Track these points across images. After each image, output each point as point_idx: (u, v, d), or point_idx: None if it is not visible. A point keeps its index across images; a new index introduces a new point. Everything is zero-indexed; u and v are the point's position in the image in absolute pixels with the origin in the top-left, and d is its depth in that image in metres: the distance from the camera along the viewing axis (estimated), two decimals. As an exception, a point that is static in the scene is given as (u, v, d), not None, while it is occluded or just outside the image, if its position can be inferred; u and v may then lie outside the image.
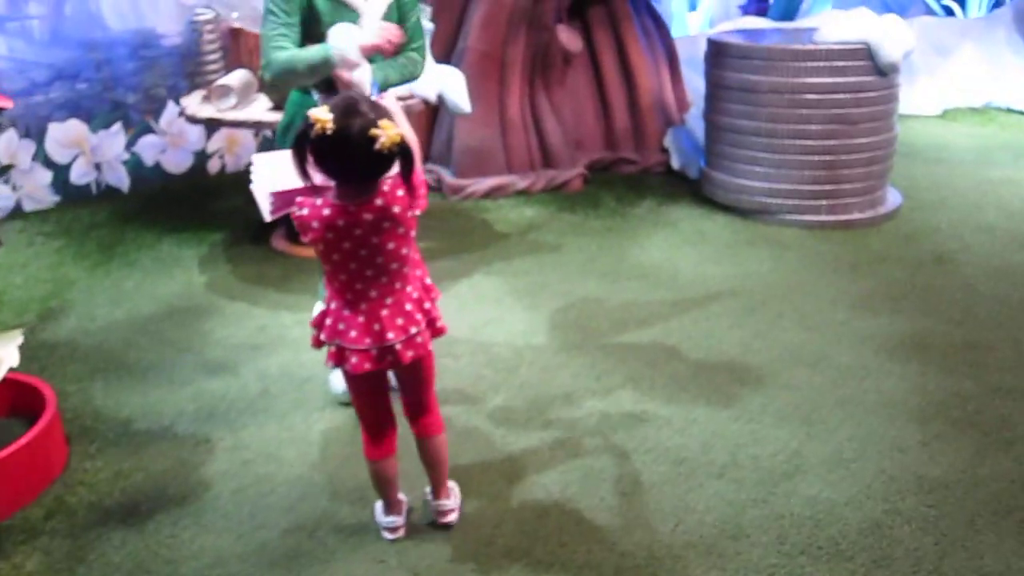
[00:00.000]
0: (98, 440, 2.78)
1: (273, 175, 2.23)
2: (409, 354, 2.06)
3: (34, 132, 4.97)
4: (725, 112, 4.53)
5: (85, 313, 3.68)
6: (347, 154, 1.88)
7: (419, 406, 2.24)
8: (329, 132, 1.84)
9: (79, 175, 5.16)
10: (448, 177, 5.05)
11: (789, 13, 5.10)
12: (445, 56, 5.14)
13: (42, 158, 5.01)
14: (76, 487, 2.54)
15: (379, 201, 1.95)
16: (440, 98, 4.04)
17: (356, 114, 1.87)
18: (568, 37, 4.98)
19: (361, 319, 2.04)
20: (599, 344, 3.31)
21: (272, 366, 3.20)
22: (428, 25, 4.03)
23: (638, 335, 3.38)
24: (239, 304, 3.74)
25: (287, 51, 2.62)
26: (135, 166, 5.37)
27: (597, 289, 3.81)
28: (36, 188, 5.00)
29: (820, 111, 4.26)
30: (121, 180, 5.32)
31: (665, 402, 2.90)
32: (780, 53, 4.24)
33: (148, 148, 5.41)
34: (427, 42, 4.09)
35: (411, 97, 3.98)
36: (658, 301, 3.68)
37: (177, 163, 5.54)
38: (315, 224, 1.96)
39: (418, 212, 2.03)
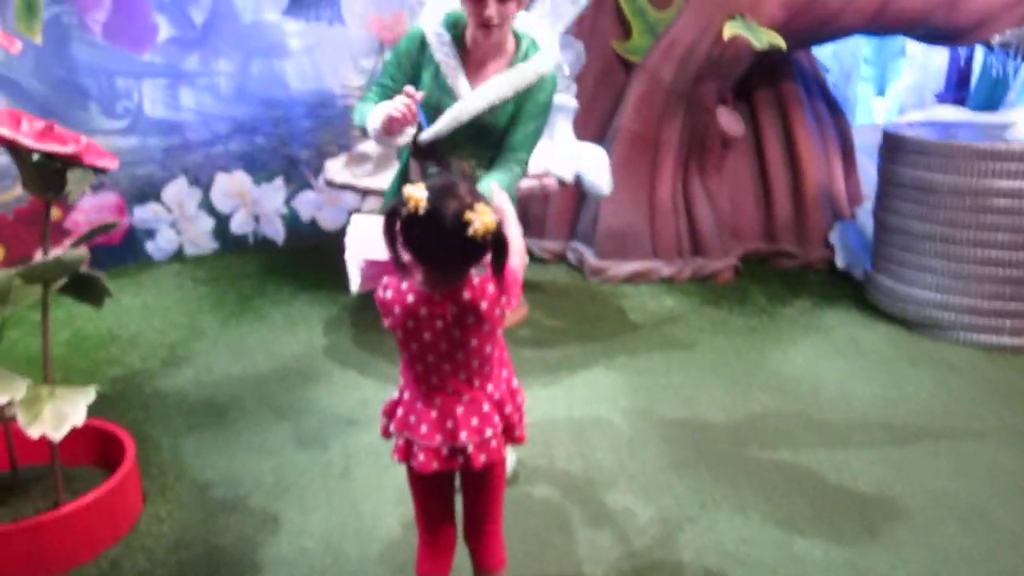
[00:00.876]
0: (173, 502, 2.74)
1: (370, 241, 2.09)
2: (482, 458, 1.85)
3: (203, 181, 5.25)
4: (896, 211, 4.06)
5: (205, 365, 3.74)
6: (437, 237, 1.71)
7: (479, 521, 2.00)
8: (421, 212, 1.70)
9: (239, 225, 5.39)
10: (590, 257, 4.84)
11: (992, 102, 4.57)
12: (598, 136, 4.98)
13: (207, 206, 5.27)
14: (136, 551, 2.50)
15: (467, 294, 1.77)
16: (577, 178, 3.86)
17: (453, 196, 1.70)
18: (728, 120, 4.68)
19: (434, 414, 1.85)
20: (713, 464, 2.95)
21: (361, 445, 3.08)
22: (572, 103, 3.89)
23: (759, 458, 2.99)
24: (350, 372, 3.68)
25: (367, 104, 2.49)
26: (292, 220, 5.55)
27: (724, 398, 3.45)
28: (198, 234, 5.26)
29: (1008, 219, 3.72)
30: (277, 233, 5.51)
31: (775, 546, 2.51)
32: (962, 151, 3.75)
33: (305, 204, 5.58)
34: (570, 121, 3.96)
35: (546, 175, 3.83)
36: (791, 419, 3.27)
37: (331, 221, 5.68)
38: (396, 309, 1.81)
39: (508, 311, 1.84)
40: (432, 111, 2.45)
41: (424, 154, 2.57)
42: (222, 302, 4.48)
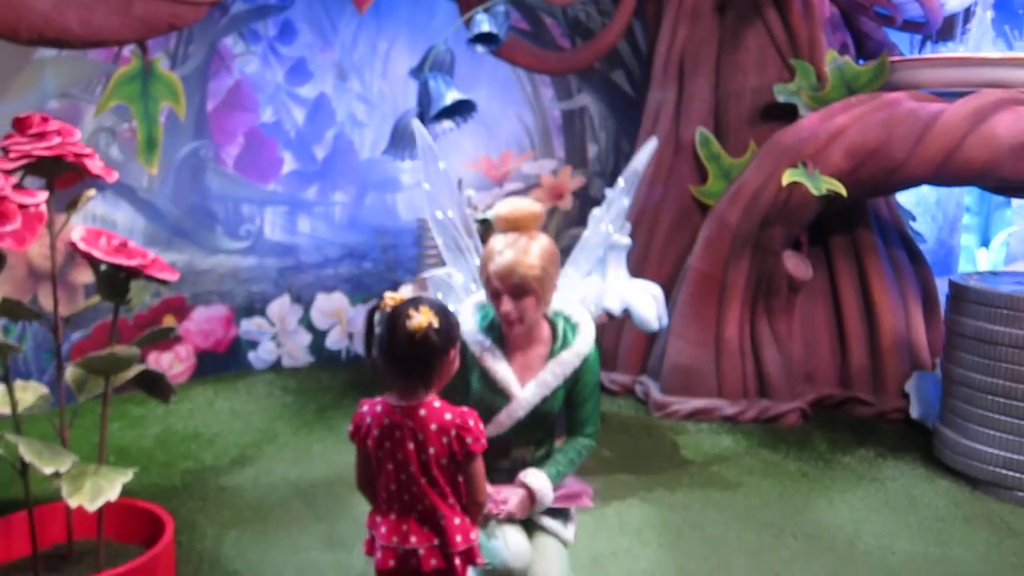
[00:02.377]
0: (200, 587, 2.99)
1: None
2: (433, 562, 1.99)
3: (304, 299, 5.74)
4: (959, 362, 3.95)
5: (267, 467, 4.04)
6: (389, 337, 1.93)
7: None
8: (387, 310, 1.94)
9: (333, 342, 5.82)
10: (655, 392, 4.91)
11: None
12: (672, 275, 5.13)
13: (306, 323, 5.74)
14: (154, 627, 2.74)
15: (423, 412, 1.97)
16: (626, 311, 4.01)
17: (420, 305, 1.93)
18: (795, 264, 4.73)
19: (393, 517, 2.03)
20: (718, 604, 2.92)
21: (382, 551, 3.24)
22: (625, 241, 4.09)
23: (769, 604, 2.93)
24: (395, 483, 3.87)
25: None
26: (383, 340, 5.92)
27: (753, 541, 3.39)
28: (295, 348, 5.72)
29: (1075, 377, 3.56)
30: (368, 351, 5.88)
31: None
32: (1023, 302, 3.65)
33: (397, 325, 5.95)
34: (623, 257, 4.15)
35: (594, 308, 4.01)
36: (815, 569, 3.18)
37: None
38: (367, 421, 2.02)
39: (474, 455, 1.99)
40: (486, 410, 2.34)
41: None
42: (301, 411, 4.82)
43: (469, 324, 2.41)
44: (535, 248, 2.28)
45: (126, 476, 2.66)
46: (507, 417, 2.37)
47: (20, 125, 2.76)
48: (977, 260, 6.33)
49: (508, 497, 2.32)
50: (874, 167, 4.39)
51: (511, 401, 2.36)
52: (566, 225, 6.48)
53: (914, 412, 4.61)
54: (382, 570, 2.04)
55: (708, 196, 5.10)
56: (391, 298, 1.96)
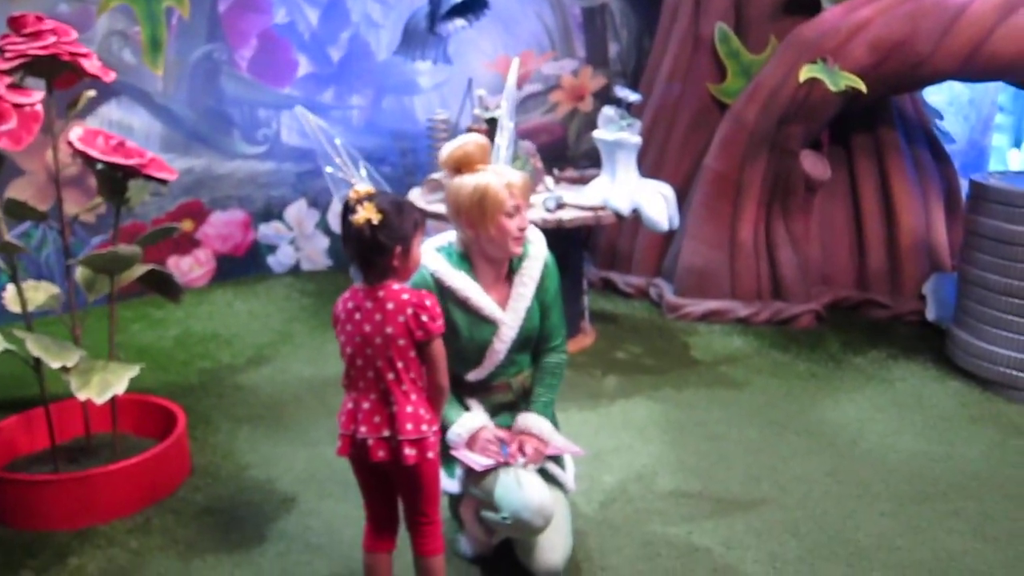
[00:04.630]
0: (213, 476, 3.11)
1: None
2: (380, 454, 2.04)
3: (321, 203, 5.76)
4: (976, 263, 3.87)
5: (282, 365, 4.14)
6: (344, 229, 2.00)
7: (409, 512, 2.19)
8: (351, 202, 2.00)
9: (351, 246, 5.86)
10: (669, 294, 4.90)
11: None
12: (690, 175, 5.05)
13: (323, 227, 5.78)
14: (167, 512, 2.87)
15: (381, 293, 2.01)
16: (636, 212, 3.97)
17: (379, 198, 1.98)
18: (813, 164, 4.62)
19: (350, 405, 2.09)
20: (713, 499, 2.97)
21: (389, 445, 3.34)
22: (634, 139, 4.01)
23: (764, 499, 2.97)
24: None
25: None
26: (402, 243, 5.95)
27: (754, 438, 3.43)
28: (314, 252, 5.77)
29: (1092, 277, 3.48)
30: (388, 254, 5.92)
31: (744, 580, 2.53)
32: (1044, 202, 3.56)
33: (415, 228, 5.97)
34: (632, 157, 4.08)
35: (603, 208, 3.97)
36: (815, 465, 3.21)
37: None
38: (339, 307, 2.08)
39: (433, 335, 2.02)
40: (477, 348, 2.39)
41: (477, 388, 2.49)
42: (318, 313, 4.90)
43: (440, 265, 2.37)
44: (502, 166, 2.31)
45: (133, 371, 2.75)
46: (500, 343, 2.38)
47: (15, 25, 2.75)
48: (1008, 161, 6.14)
49: (520, 447, 2.37)
50: (898, 62, 4.23)
51: (499, 328, 2.38)
52: (587, 128, 6.37)
53: (930, 314, 4.56)
54: (344, 456, 2.11)
55: (727, 94, 4.97)
56: (354, 191, 1.99)
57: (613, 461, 3.24)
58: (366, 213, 1.94)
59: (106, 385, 2.67)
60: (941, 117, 5.54)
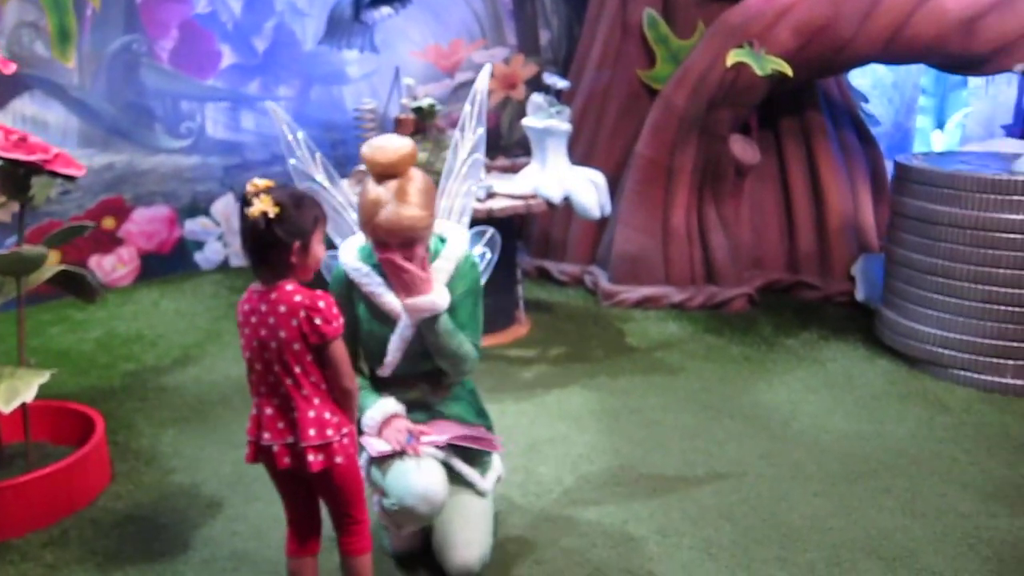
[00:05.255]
0: (135, 483, 2.99)
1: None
2: (286, 460, 1.96)
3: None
4: (901, 243, 3.94)
5: (209, 365, 4.02)
6: (241, 223, 1.91)
7: (335, 516, 2.13)
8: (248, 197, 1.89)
9: (282, 240, 5.72)
10: (603, 281, 4.89)
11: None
12: (622, 162, 5.04)
13: (252, 222, 5.63)
14: (86, 523, 2.75)
15: (274, 295, 1.92)
16: (567, 200, 3.95)
17: (277, 191, 1.87)
18: (742, 148, 4.65)
19: (254, 410, 2.01)
20: (650, 485, 2.96)
21: (320, 444, 3.26)
22: (564, 127, 3.98)
23: (698, 483, 2.98)
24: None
25: (364, 389, 2.37)
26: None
27: (690, 423, 3.44)
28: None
29: (1012, 253, 3.55)
30: (320, 249, 5.81)
31: (681, 569, 2.51)
32: (964, 181, 3.62)
33: (348, 222, 5.87)
34: (563, 144, 4.05)
35: (533, 196, 3.94)
36: (749, 448, 3.23)
37: (373, 238, 5.94)
38: (238, 308, 2.00)
39: (327, 338, 1.92)
40: (378, 343, 2.36)
41: (390, 383, 2.43)
42: (248, 310, 4.77)
43: (350, 256, 2.34)
44: (414, 194, 2.15)
45: (43, 377, 2.63)
46: (399, 340, 2.32)
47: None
48: (932, 142, 6.28)
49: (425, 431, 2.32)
50: (821, 45, 4.27)
51: (398, 323, 2.31)
52: (519, 116, 6.32)
53: (859, 295, 4.64)
54: (251, 463, 2.03)
55: (656, 80, 4.98)
56: (252, 184, 1.88)
57: (549, 452, 3.21)
58: (262, 205, 1.83)
59: (13, 392, 2.55)
60: (867, 100, 5.64)
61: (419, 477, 2.23)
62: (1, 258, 2.56)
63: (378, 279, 2.32)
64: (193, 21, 5.41)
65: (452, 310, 2.34)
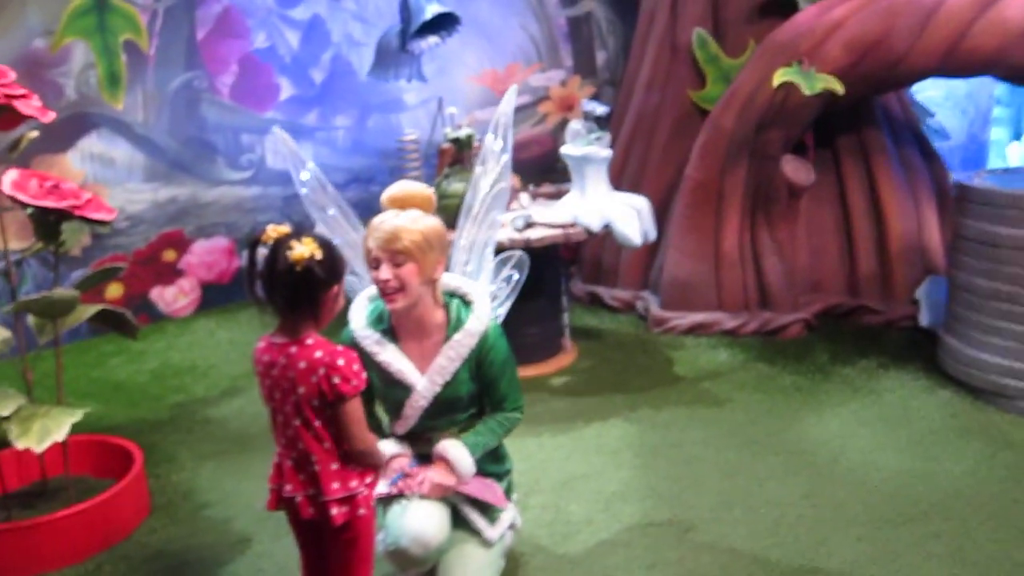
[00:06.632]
0: (171, 517, 3.05)
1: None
2: (310, 511, 1.95)
3: (310, 226, 5.69)
4: (962, 267, 3.72)
5: (253, 395, 4.00)
6: (271, 269, 1.83)
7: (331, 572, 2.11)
8: (270, 243, 1.85)
9: (338, 268, 5.80)
10: (654, 308, 4.78)
11: None
12: (673, 184, 4.93)
13: (309, 251, 5.73)
14: (119, 558, 2.81)
15: (293, 349, 1.90)
16: (608, 228, 3.87)
17: (303, 236, 1.84)
18: (795, 169, 4.48)
19: (276, 459, 2.02)
20: (681, 528, 2.85)
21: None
22: (603, 153, 3.92)
23: (733, 525, 2.86)
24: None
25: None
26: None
27: (731, 459, 3.31)
28: (300, 276, 5.72)
29: (1082, 279, 3.32)
30: (376, 276, 5.87)
31: (702, 616, 2.41)
32: (1028, 203, 3.40)
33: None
34: (603, 171, 3.99)
35: (573, 226, 3.88)
36: (791, 487, 3.08)
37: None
38: (255, 357, 1.99)
39: (344, 397, 1.90)
40: (392, 405, 2.38)
41: (406, 437, 2.44)
42: (300, 339, 4.84)
43: (358, 319, 2.33)
44: (422, 220, 2.17)
45: (76, 416, 2.70)
46: (411, 409, 2.32)
47: (-50, 70, 2.72)
48: (1008, 155, 5.95)
49: (426, 474, 2.28)
50: (875, 61, 4.09)
51: (412, 392, 2.30)
52: (575, 138, 6.28)
53: (923, 320, 4.40)
54: (272, 510, 2.04)
55: (707, 101, 4.85)
56: (274, 230, 1.87)
57: (582, 488, 3.14)
58: (308, 248, 1.81)
59: (46, 432, 2.62)
60: (932, 114, 5.37)
61: (414, 518, 2.20)
62: (33, 302, 2.65)
63: (390, 345, 2.30)
64: (253, 56, 5.55)
65: (492, 384, 2.32)
